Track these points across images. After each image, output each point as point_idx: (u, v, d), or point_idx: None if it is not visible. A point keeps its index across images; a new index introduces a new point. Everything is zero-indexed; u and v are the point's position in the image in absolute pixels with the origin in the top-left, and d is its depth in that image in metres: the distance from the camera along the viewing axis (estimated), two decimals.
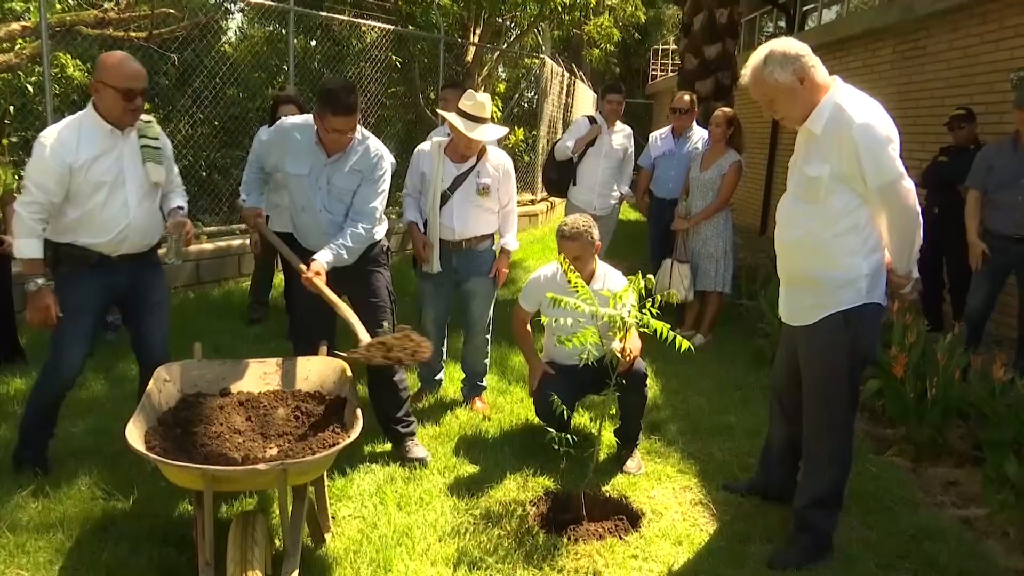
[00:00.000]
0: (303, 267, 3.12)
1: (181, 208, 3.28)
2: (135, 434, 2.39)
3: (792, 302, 2.80)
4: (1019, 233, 4.49)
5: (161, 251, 3.34)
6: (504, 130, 4.05)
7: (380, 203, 3.38)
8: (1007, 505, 3.03)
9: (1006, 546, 2.96)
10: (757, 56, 2.59)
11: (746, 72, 2.63)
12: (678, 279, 5.46)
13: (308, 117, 3.35)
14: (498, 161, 4.01)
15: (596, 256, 3.55)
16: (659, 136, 6.04)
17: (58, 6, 7.24)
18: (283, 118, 3.49)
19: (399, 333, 2.94)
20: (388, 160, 3.40)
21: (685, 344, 2.82)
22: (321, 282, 3.07)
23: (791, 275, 2.77)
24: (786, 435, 3.04)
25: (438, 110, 3.95)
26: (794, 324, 2.79)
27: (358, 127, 3.28)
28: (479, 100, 3.82)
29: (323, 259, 3.15)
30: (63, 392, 3.22)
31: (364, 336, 2.91)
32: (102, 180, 3.01)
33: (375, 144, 3.36)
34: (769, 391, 3.21)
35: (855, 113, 2.46)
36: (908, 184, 2.50)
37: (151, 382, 2.77)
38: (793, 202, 2.70)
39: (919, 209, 2.56)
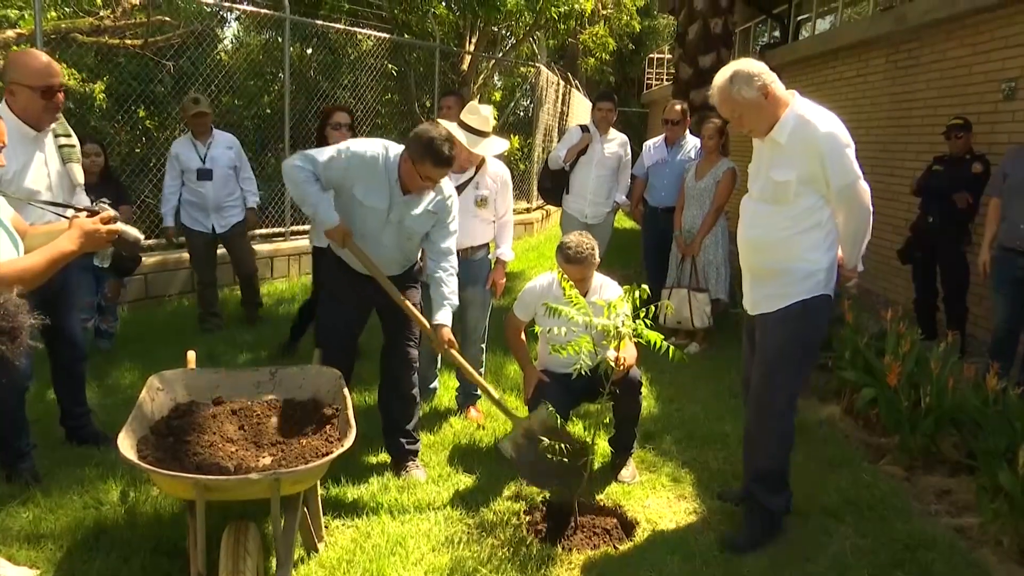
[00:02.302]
0: (431, 332, 3.25)
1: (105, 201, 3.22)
2: (127, 443, 2.38)
3: (756, 293, 2.98)
4: (1019, 246, 4.38)
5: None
6: (505, 144, 4.05)
7: (455, 241, 3.44)
8: (1000, 514, 3.03)
9: (999, 555, 2.96)
10: (722, 77, 2.80)
11: (713, 93, 2.84)
12: (699, 308, 5.46)
13: (388, 149, 3.27)
14: (496, 172, 4.01)
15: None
16: (652, 145, 6.06)
17: (53, 13, 7.24)
18: (356, 146, 3.29)
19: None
20: (456, 197, 3.44)
21: (678, 354, 2.83)
22: (455, 354, 3.26)
23: (756, 268, 2.96)
24: None
25: (438, 119, 3.95)
26: (756, 313, 2.97)
27: None
28: (483, 115, 3.81)
29: (446, 320, 3.25)
30: (22, 394, 3.17)
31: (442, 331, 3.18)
32: (33, 190, 2.91)
33: (448, 186, 3.36)
34: (743, 389, 3.28)
35: (819, 123, 2.72)
36: (864, 185, 2.76)
37: (144, 391, 2.76)
38: (758, 203, 2.91)
39: (871, 208, 2.80)
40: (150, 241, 6.28)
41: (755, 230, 2.91)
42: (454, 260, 3.39)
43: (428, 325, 3.25)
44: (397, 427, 3.47)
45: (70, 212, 2.55)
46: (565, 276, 3.22)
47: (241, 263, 5.73)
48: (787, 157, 2.77)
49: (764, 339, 2.94)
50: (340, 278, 3.41)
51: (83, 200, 3.22)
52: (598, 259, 3.47)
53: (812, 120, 2.72)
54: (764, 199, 2.87)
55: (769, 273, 2.89)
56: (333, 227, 3.20)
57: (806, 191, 2.76)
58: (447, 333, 3.21)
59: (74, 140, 3.14)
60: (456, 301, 3.33)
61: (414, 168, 3.13)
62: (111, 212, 2.54)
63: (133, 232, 2.59)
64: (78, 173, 3.09)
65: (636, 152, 6.15)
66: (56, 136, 3.07)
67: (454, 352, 3.24)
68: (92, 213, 2.43)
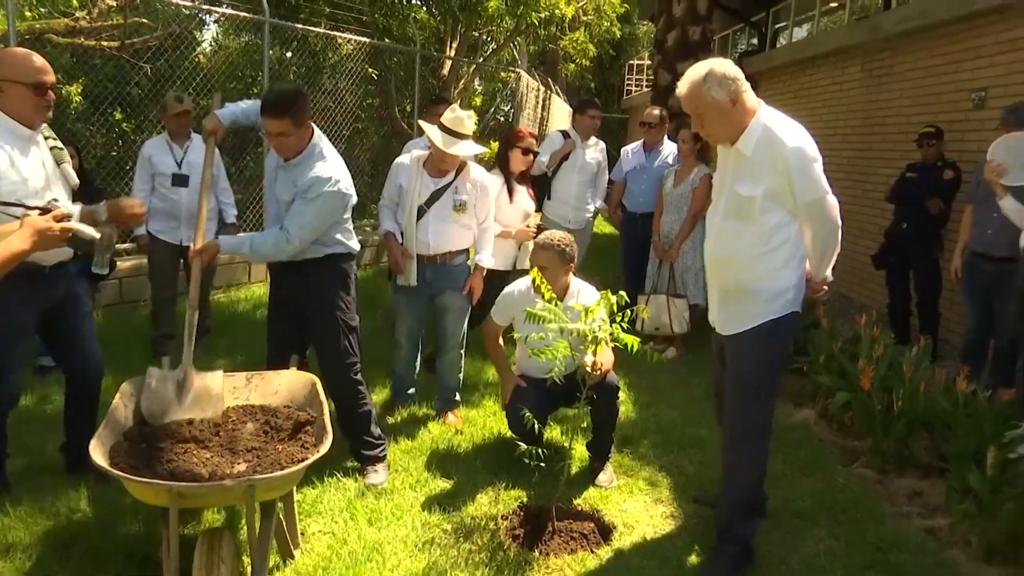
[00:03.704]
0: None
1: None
2: (99, 450, 2.36)
3: (724, 312, 2.89)
4: (987, 251, 4.46)
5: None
6: (481, 148, 4.08)
7: (309, 223, 3.16)
8: (969, 514, 3.08)
9: (968, 555, 3.01)
10: (697, 72, 2.68)
11: (682, 85, 2.72)
12: (677, 314, 5.49)
13: None
14: (476, 178, 4.02)
15: (571, 272, 3.58)
16: (631, 150, 6.10)
17: (28, 14, 7.16)
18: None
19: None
20: (332, 187, 3.16)
21: (655, 356, 2.85)
22: (199, 262, 3.03)
23: (724, 287, 2.87)
24: None
25: (420, 121, 3.97)
26: (726, 333, 2.89)
27: (322, 146, 3.24)
28: (459, 115, 3.84)
29: (224, 241, 3.19)
30: (7, 411, 3.08)
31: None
32: (35, 188, 2.83)
33: (324, 166, 3.18)
34: (713, 399, 3.28)
35: (786, 136, 2.62)
36: (833, 200, 2.68)
37: (116, 397, 2.73)
38: (724, 219, 2.81)
39: (840, 223, 2.73)
40: (126, 245, 6.22)
41: (722, 248, 2.82)
42: (291, 231, 3.14)
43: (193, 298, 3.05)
44: (352, 436, 3.48)
45: (20, 211, 2.50)
46: (537, 272, 3.23)
47: (202, 280, 5.45)
48: (753, 170, 2.67)
49: (734, 361, 2.86)
50: (272, 280, 3.41)
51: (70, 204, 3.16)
52: (572, 259, 3.50)
53: (779, 133, 2.62)
54: (729, 214, 2.77)
55: (737, 293, 2.80)
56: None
57: (773, 207, 2.66)
58: (209, 242, 3.12)
59: (60, 144, 3.11)
60: (249, 253, 3.23)
61: None
62: (64, 210, 2.49)
63: (88, 231, 2.55)
64: (72, 175, 3.05)
65: (613, 158, 6.19)
66: (46, 138, 3.03)
67: (196, 262, 3.03)
68: (44, 211, 2.38)
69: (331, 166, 3.23)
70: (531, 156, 4.63)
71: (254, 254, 3.24)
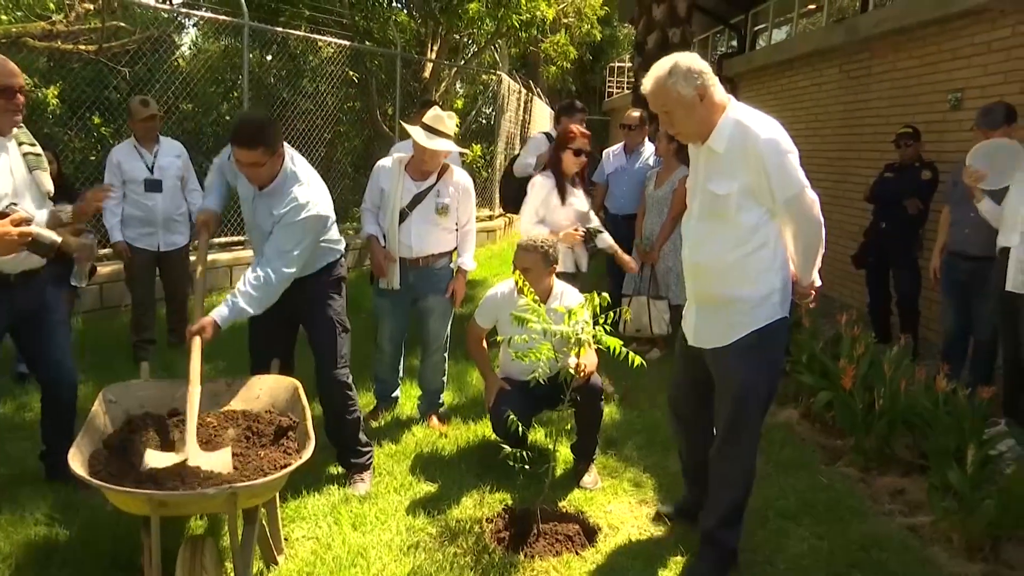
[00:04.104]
0: (201, 312, 2.95)
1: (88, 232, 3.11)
2: (78, 458, 2.33)
3: (705, 323, 2.76)
4: (965, 251, 4.53)
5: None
6: (459, 149, 4.09)
7: (291, 251, 3.06)
8: (950, 512, 3.11)
9: (950, 552, 3.04)
10: (662, 67, 2.57)
11: (647, 82, 2.60)
12: (657, 316, 5.50)
13: None
14: (458, 181, 4.01)
15: (553, 275, 3.58)
16: (612, 152, 6.13)
17: (3, 17, 7.07)
18: None
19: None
20: (310, 212, 3.10)
21: (637, 360, 2.84)
22: (197, 344, 2.81)
23: (704, 296, 2.75)
24: (702, 450, 2.95)
25: (401, 122, 3.95)
26: (707, 347, 2.75)
27: (297, 169, 3.17)
28: (440, 114, 3.86)
29: (218, 314, 2.91)
30: None
31: (191, 445, 2.52)
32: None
33: (302, 191, 3.11)
34: (668, 410, 3.15)
35: (759, 129, 2.50)
36: (812, 195, 2.56)
37: (96, 403, 2.70)
38: (699, 222, 2.69)
39: (822, 219, 2.61)
40: (106, 250, 6.15)
41: (700, 255, 2.70)
42: (279, 267, 3.04)
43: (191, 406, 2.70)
44: (339, 444, 3.46)
45: None
46: (519, 274, 3.23)
47: (178, 284, 5.29)
48: (725, 167, 2.55)
49: (722, 376, 2.73)
50: None
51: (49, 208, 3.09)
52: (555, 261, 3.50)
53: (751, 126, 2.50)
54: (704, 216, 2.65)
55: (718, 302, 2.68)
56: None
57: (749, 204, 2.54)
58: (204, 321, 2.86)
59: (39, 149, 3.05)
60: (251, 309, 3.01)
61: None
62: (23, 214, 2.44)
63: (49, 235, 2.51)
64: (47, 181, 2.97)
65: (595, 160, 6.20)
66: (20, 144, 2.97)
67: (193, 343, 2.82)
68: (2, 215, 2.34)
69: (307, 190, 3.15)
70: (583, 157, 4.54)
71: (258, 306, 3.03)
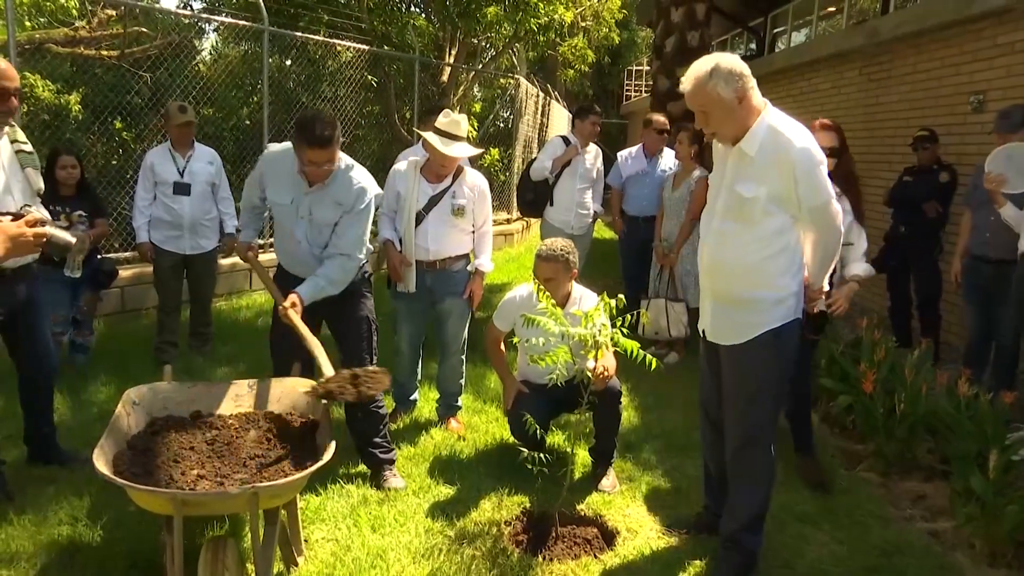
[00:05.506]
0: (281, 299, 3.11)
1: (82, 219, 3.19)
2: (103, 459, 2.36)
3: (721, 321, 2.79)
4: (986, 254, 4.49)
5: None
6: (476, 150, 4.10)
7: (364, 235, 3.33)
8: (973, 518, 3.08)
9: (972, 558, 3.01)
10: (703, 66, 2.57)
11: (687, 80, 2.61)
12: (675, 318, 5.50)
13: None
14: (474, 182, 4.03)
15: (573, 280, 3.58)
16: (629, 156, 6.12)
17: (27, 24, 7.18)
18: (271, 147, 3.41)
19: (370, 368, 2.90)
20: (372, 191, 3.34)
21: (655, 363, 2.84)
22: (295, 315, 3.03)
23: (722, 295, 2.77)
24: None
25: (416, 129, 3.99)
26: (722, 343, 2.79)
27: (343, 157, 3.26)
28: (454, 118, 3.86)
29: (302, 292, 3.13)
30: None
31: (328, 370, 2.86)
32: None
33: (359, 175, 3.30)
34: (702, 417, 3.10)
35: (793, 137, 2.53)
36: (837, 206, 2.62)
37: (120, 405, 2.73)
38: (722, 223, 2.71)
39: (843, 230, 2.68)
40: (126, 254, 6.22)
41: (720, 253, 2.71)
42: (354, 255, 3.29)
43: (314, 345, 3.00)
44: (366, 440, 3.47)
45: None
46: (538, 282, 3.24)
47: (203, 287, 5.35)
48: (756, 171, 2.57)
49: (734, 373, 2.76)
50: (283, 288, 3.38)
51: (41, 208, 3.17)
52: (575, 267, 3.50)
53: (786, 134, 2.53)
54: (728, 216, 2.67)
55: (736, 301, 2.71)
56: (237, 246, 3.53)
57: (774, 209, 2.57)
58: (292, 298, 3.09)
59: (31, 148, 3.12)
60: (329, 289, 3.23)
61: (299, 156, 3.15)
62: (37, 215, 2.47)
63: (64, 236, 2.54)
64: (37, 179, 3.04)
65: (609, 162, 6.20)
66: (13, 141, 3.04)
67: (293, 316, 3.04)
68: (16, 216, 2.37)
69: (360, 171, 3.34)
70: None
71: (336, 286, 3.27)
